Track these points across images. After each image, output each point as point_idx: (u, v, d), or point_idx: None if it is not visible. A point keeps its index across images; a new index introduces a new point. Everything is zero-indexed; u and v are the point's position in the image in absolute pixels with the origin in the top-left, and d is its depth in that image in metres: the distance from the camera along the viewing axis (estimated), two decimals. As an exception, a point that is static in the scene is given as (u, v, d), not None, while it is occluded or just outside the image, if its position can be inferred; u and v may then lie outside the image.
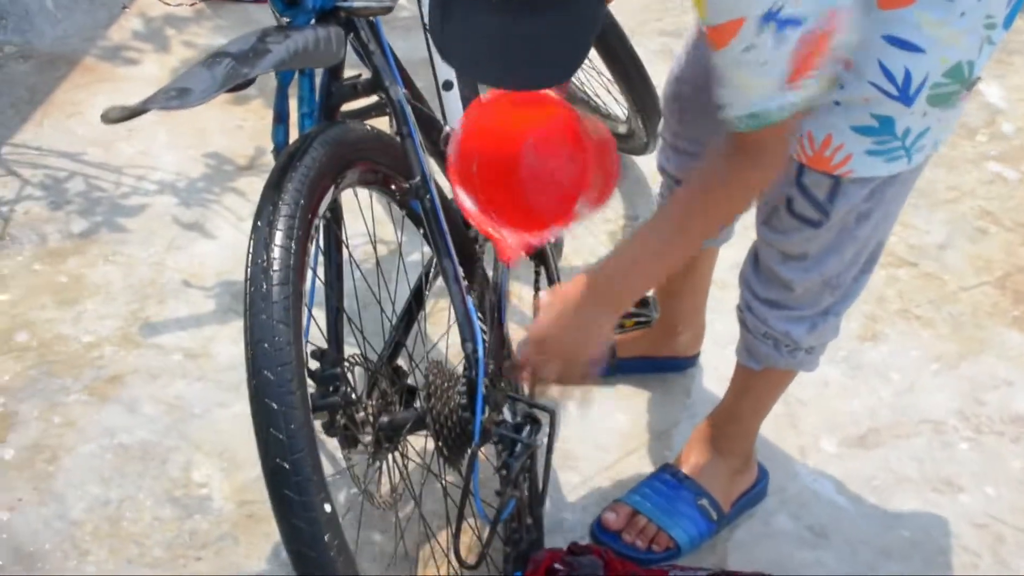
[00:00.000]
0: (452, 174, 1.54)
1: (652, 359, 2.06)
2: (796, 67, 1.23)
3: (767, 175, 1.36)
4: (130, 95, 2.71)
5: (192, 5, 3.05)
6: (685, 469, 1.82)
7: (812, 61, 1.23)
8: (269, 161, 2.52)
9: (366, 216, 1.67)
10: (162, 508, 1.81)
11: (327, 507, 1.20)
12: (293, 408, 1.19)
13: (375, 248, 1.74)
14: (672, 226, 1.42)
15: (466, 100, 1.87)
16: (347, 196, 1.53)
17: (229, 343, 2.11)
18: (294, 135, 1.53)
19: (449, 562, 1.61)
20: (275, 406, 1.18)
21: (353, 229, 1.61)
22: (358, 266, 1.66)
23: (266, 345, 1.20)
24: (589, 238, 2.39)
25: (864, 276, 1.61)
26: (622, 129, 2.46)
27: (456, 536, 1.50)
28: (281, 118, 1.59)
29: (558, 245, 1.92)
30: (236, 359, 2.07)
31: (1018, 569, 1.81)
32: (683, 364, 2.09)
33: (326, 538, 1.19)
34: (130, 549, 1.74)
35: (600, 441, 1.96)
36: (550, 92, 1.57)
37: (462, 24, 1.24)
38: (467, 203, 1.51)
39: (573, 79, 2.60)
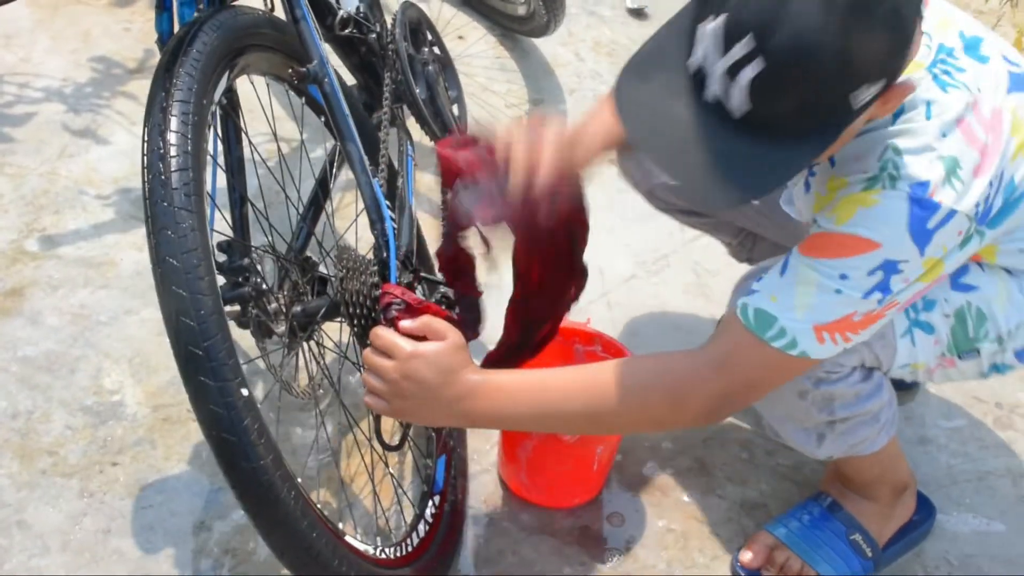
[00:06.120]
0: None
1: None
2: (837, 323, 1.21)
3: (724, 392, 1.26)
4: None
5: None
6: (833, 494, 1.66)
7: (849, 329, 1.22)
8: (159, 61, 2.44)
9: (265, 106, 1.63)
10: (74, 417, 1.78)
11: (244, 391, 1.18)
12: (202, 294, 1.16)
13: (275, 136, 1.70)
14: (582, 394, 1.29)
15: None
16: (245, 89, 1.49)
17: (132, 250, 2.05)
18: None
19: (372, 447, 1.63)
20: (183, 293, 1.15)
21: (253, 126, 1.57)
22: (261, 157, 1.62)
23: (169, 232, 1.17)
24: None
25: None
26: (521, 11, 2.42)
27: (377, 420, 1.50)
28: (165, 6, 1.53)
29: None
30: (141, 265, 2.02)
31: None
32: None
33: (246, 422, 1.18)
34: (43, 459, 1.71)
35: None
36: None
37: (665, 105, 1.09)
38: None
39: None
